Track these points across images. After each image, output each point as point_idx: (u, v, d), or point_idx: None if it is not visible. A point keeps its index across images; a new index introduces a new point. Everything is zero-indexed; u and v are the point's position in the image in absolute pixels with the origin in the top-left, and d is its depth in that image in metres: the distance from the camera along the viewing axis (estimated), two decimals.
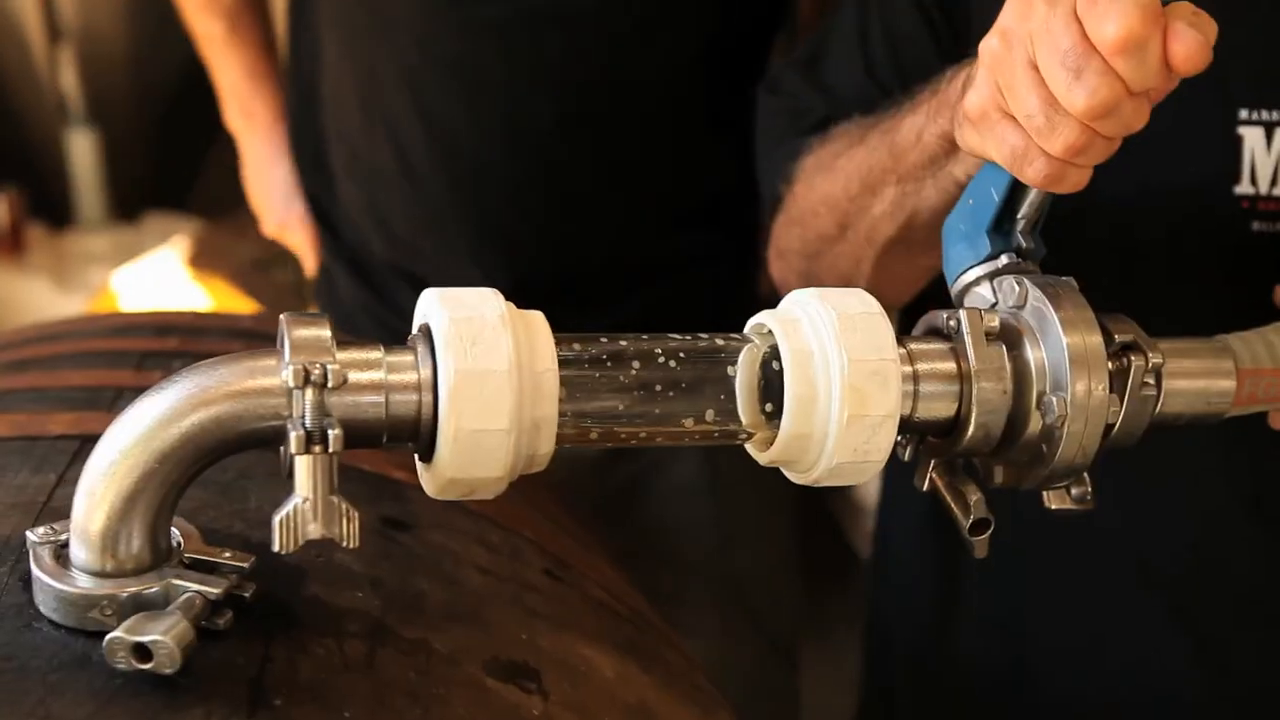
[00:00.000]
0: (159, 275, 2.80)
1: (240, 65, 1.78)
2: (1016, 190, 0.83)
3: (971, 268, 0.84)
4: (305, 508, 0.63)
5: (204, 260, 2.77)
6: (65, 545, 0.68)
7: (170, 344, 1.14)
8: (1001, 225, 0.84)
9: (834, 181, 1.08)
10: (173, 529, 0.70)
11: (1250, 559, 1.13)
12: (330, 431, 0.63)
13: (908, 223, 1.02)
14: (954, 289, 0.86)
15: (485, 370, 0.65)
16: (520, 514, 0.97)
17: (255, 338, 1.22)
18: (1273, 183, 1.05)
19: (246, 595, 0.69)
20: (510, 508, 0.96)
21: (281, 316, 0.66)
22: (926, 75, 1.04)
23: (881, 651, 1.45)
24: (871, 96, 1.13)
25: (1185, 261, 1.08)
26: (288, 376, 0.63)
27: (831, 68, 1.20)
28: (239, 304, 2.62)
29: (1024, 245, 0.83)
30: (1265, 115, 1.04)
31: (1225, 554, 1.14)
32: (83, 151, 3.42)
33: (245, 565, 0.69)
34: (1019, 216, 0.84)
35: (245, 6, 1.77)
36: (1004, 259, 0.83)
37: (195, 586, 0.66)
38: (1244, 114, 1.04)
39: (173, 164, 3.14)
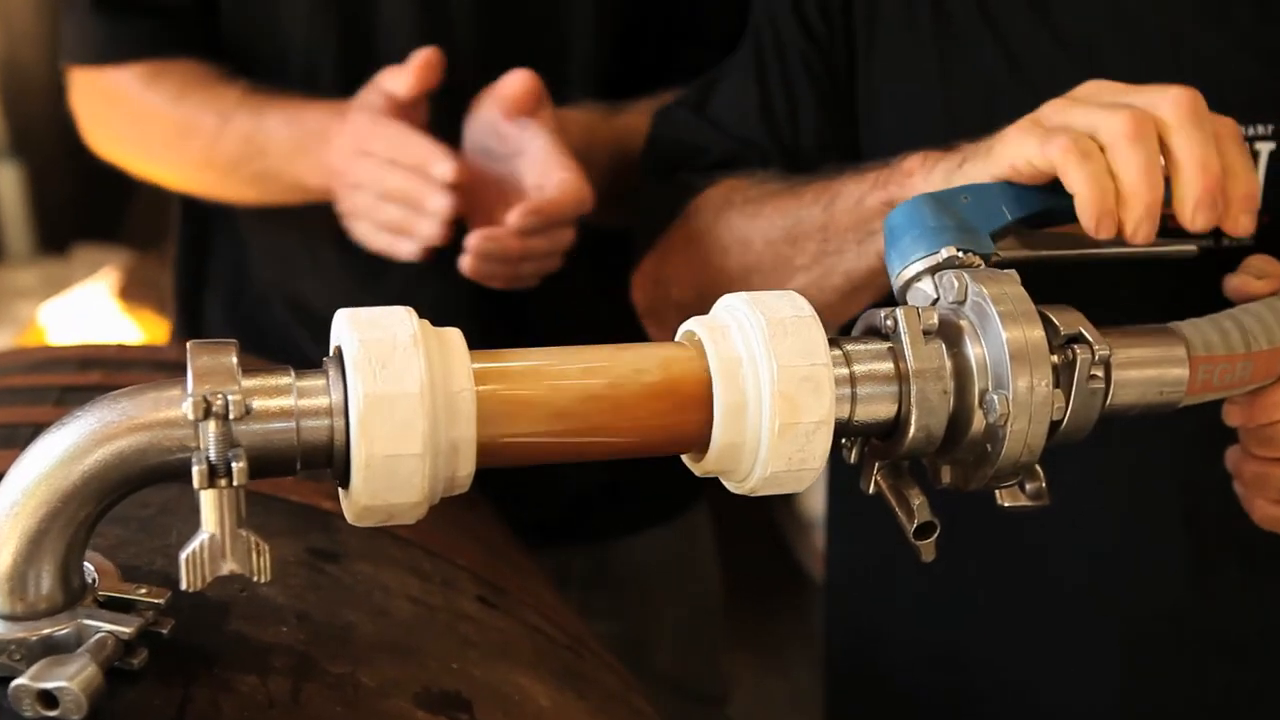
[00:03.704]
0: (88, 308, 2.82)
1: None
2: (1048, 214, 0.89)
3: (915, 261, 0.86)
4: (212, 544, 0.64)
5: (134, 292, 2.79)
6: None
7: (92, 378, 1.15)
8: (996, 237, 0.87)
9: (754, 225, 1.13)
10: (88, 565, 0.71)
11: (1184, 578, 1.17)
12: (234, 464, 0.64)
13: (818, 281, 1.08)
14: (896, 284, 0.88)
15: (395, 393, 0.66)
16: (455, 541, 0.98)
17: (181, 370, 1.23)
18: None
19: (164, 632, 0.70)
20: (444, 535, 0.97)
21: (188, 344, 0.68)
22: (818, 124, 1.18)
23: (832, 680, 1.49)
24: (760, 139, 1.21)
25: (1113, 285, 1.11)
26: (188, 409, 0.64)
27: (726, 107, 1.26)
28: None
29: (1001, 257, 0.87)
30: None
31: (1160, 574, 1.17)
32: (8, 185, 3.44)
33: (161, 601, 0.70)
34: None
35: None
36: (944, 253, 0.85)
37: (107, 626, 0.67)
38: None
39: (100, 195, 3.16)
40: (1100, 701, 1.22)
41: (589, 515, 1.64)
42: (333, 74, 1.48)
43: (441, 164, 1.27)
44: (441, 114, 1.40)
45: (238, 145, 1.45)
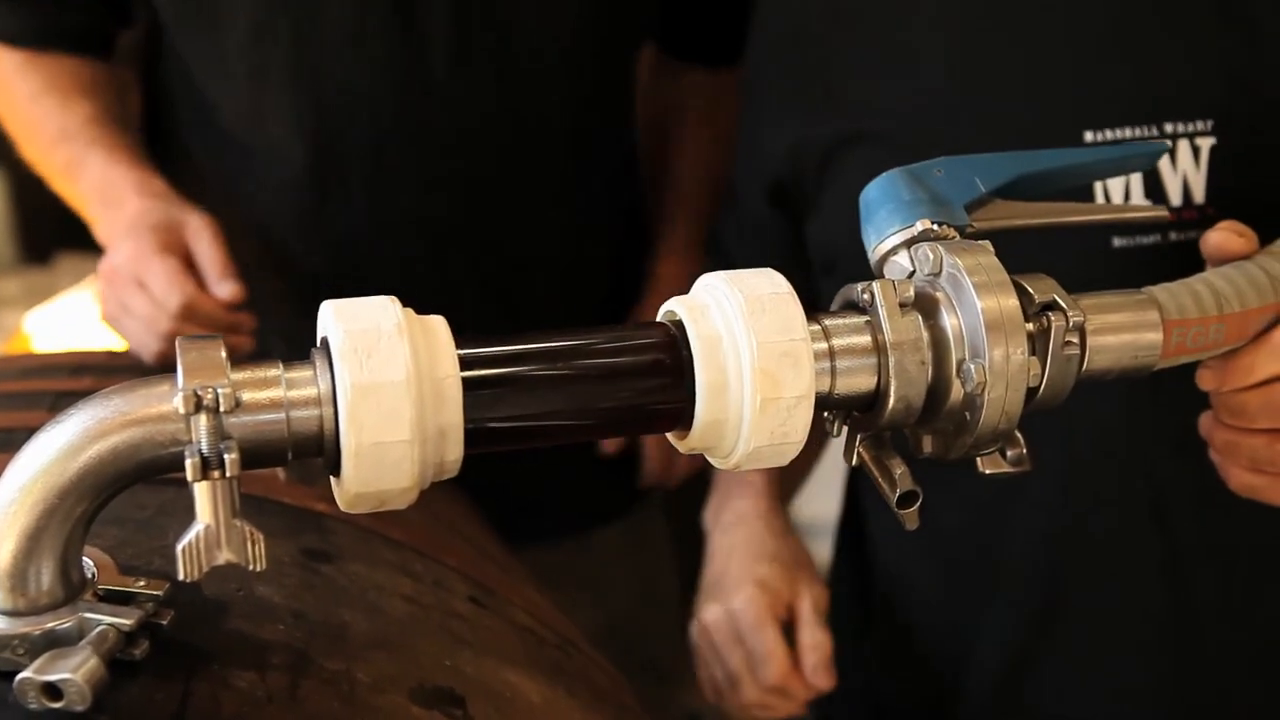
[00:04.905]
0: (73, 316, 2.82)
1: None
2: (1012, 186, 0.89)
3: (890, 235, 0.87)
4: (208, 534, 0.65)
5: None
6: None
7: (84, 383, 1.17)
8: (970, 209, 0.88)
9: None
10: (86, 560, 0.73)
11: (1155, 576, 1.19)
12: (226, 455, 0.65)
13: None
14: (873, 258, 0.89)
15: (382, 382, 0.67)
16: (444, 542, 0.99)
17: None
18: (1125, 198, 1.09)
19: (164, 623, 0.71)
20: (433, 536, 0.99)
21: (177, 340, 0.69)
22: None
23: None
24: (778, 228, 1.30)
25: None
26: (178, 403, 0.65)
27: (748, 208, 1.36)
28: None
29: (975, 229, 0.87)
30: (1110, 134, 1.09)
31: (1132, 573, 1.19)
32: None
33: (160, 592, 0.72)
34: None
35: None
36: (919, 226, 0.86)
37: (108, 619, 0.68)
38: (1089, 135, 1.09)
39: None
40: (1085, 700, 1.24)
41: (541, 517, 1.64)
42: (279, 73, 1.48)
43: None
44: (413, 117, 1.42)
45: (60, 166, 1.49)
